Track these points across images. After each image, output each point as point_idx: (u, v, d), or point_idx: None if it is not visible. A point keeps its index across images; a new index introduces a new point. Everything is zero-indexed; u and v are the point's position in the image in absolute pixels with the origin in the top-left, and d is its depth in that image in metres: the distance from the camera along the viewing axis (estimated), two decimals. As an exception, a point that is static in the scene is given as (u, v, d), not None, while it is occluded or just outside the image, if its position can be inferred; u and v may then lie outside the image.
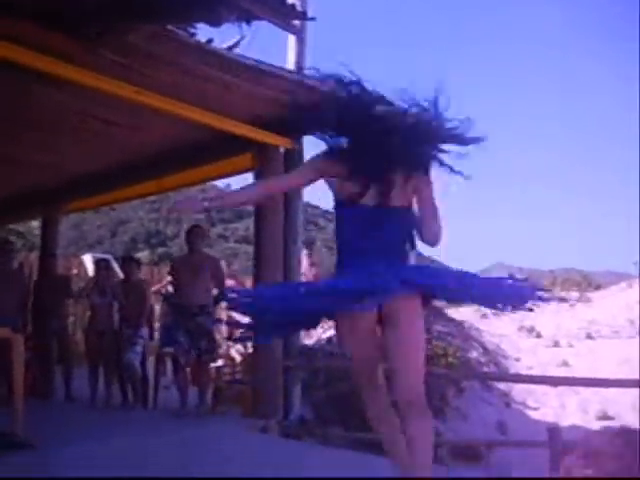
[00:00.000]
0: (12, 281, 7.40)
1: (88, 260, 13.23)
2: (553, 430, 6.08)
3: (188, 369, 6.86)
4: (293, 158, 6.72)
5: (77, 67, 5.01)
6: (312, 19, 6.26)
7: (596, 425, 9.11)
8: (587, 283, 17.19)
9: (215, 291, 7.00)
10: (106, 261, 8.72)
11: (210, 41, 5.15)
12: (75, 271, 11.69)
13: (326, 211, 42.75)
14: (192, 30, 4.93)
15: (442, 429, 8.61)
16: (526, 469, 6.72)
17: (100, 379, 7.52)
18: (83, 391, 7.49)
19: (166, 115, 5.92)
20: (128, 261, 8.02)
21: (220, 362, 7.96)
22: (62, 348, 7.95)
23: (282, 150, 6.71)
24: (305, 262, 12.32)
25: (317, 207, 38.59)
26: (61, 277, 9.00)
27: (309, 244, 16.49)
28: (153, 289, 8.61)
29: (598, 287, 16.77)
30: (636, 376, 8.09)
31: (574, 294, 15.87)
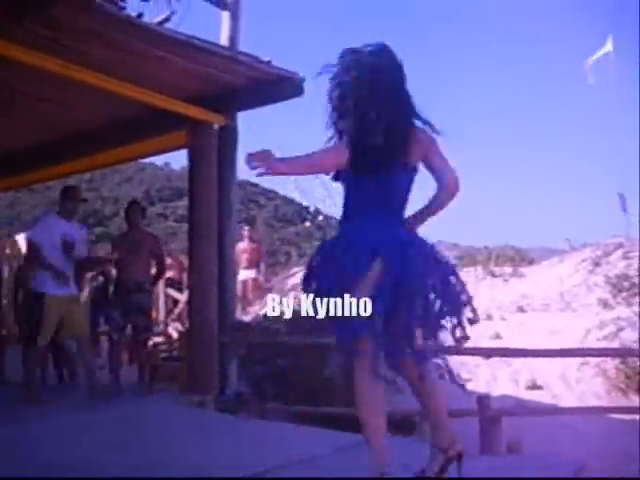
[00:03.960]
0: None
1: (22, 240, 12.95)
2: (482, 399, 6.27)
3: (122, 348, 6.83)
4: (228, 135, 6.72)
5: (2, 39, 4.90)
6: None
7: (526, 394, 9.42)
8: (521, 258, 17.57)
9: (154, 269, 6.96)
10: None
11: (140, 15, 5.11)
12: (8, 251, 11.44)
13: (267, 190, 42.48)
14: (121, 3, 4.88)
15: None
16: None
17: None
18: (17, 373, 7.36)
19: (98, 91, 5.83)
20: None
21: (158, 339, 7.95)
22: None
23: (216, 127, 6.69)
24: (246, 239, 12.41)
25: (257, 185, 38.21)
26: None
27: (250, 222, 16.61)
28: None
29: (531, 262, 17.18)
30: (564, 346, 8.42)
31: (508, 269, 16.23)
